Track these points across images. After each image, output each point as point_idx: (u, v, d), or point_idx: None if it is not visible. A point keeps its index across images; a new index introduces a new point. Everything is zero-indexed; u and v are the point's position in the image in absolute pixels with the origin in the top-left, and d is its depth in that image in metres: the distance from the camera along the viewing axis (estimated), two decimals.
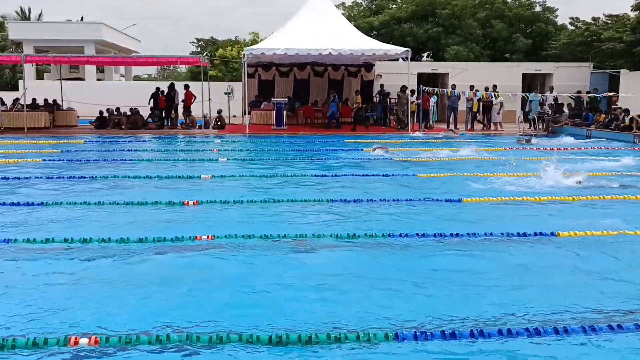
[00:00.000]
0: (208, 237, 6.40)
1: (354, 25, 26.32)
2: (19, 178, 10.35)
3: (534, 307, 4.58)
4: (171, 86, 22.06)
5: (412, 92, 21.38)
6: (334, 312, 4.51)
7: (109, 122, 21.18)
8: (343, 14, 33.32)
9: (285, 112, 21.04)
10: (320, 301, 4.76)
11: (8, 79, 41.49)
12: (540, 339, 4.01)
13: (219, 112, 21.38)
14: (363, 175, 10.97)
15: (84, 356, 3.77)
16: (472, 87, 21.46)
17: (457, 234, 6.57)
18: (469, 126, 21.77)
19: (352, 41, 20.59)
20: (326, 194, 9.22)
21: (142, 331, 4.04)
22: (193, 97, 21.46)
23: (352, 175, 10.98)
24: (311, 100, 24.81)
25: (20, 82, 27.43)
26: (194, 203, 8.27)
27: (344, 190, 9.48)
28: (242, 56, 21.73)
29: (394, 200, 8.61)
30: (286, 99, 21.83)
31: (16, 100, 21.96)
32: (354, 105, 22.16)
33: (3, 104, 21.42)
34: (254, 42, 37.21)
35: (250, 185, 10.08)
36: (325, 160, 13.24)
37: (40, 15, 49.38)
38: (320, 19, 21.70)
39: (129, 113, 21.45)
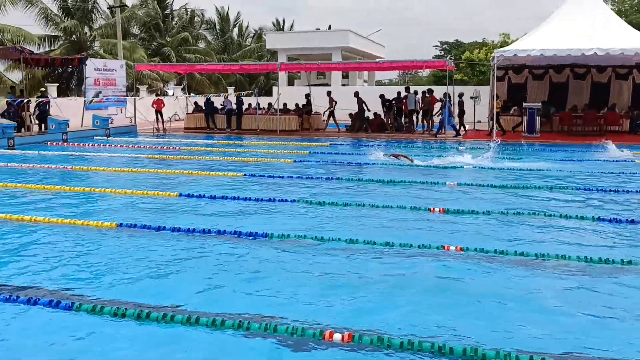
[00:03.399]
0: (456, 248, 6.30)
1: (626, 22, 23.72)
2: (273, 176, 11.50)
3: None
4: (407, 89, 22.53)
5: None
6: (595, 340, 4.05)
7: (354, 125, 22.46)
8: (612, 9, 30.33)
9: (538, 118, 19.86)
10: (573, 327, 4.32)
11: (262, 85, 46.88)
12: None
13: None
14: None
15: (338, 350, 3.97)
16: None
17: None
18: None
19: (623, 39, 18.54)
20: (594, 210, 8.41)
21: (393, 334, 4.12)
22: (435, 102, 21.57)
23: (629, 191, 9.86)
24: (569, 105, 23.04)
25: (274, 88, 30.71)
26: (439, 210, 8.25)
27: (616, 209, 8.53)
28: (491, 58, 21.11)
29: None
30: (539, 104, 20.59)
31: (270, 105, 24.62)
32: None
33: (260, 108, 24.20)
34: (505, 43, 35.99)
35: (499, 196, 9.68)
36: (585, 173, 12.09)
37: (292, 25, 54.82)
38: (584, 15, 20.04)
39: (372, 117, 22.46)
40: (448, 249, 6.28)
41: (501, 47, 25.70)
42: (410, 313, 4.63)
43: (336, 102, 23.47)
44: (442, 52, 56.89)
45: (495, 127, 20.00)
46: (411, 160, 13.46)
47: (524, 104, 21.28)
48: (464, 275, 5.56)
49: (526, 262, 5.95)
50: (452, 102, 20.68)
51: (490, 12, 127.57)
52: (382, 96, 22.48)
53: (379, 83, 46.53)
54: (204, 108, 24.53)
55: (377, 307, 4.75)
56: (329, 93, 23.65)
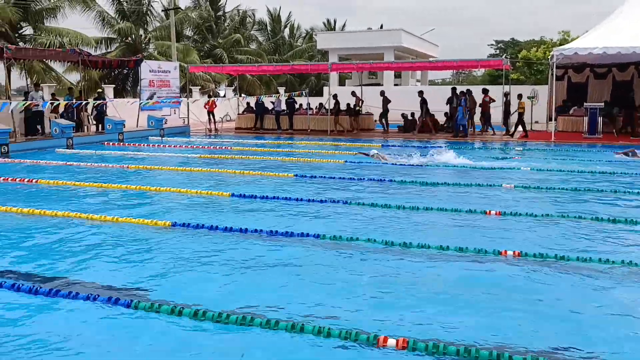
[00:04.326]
0: (514, 253, 6.14)
1: None
2: (324, 177, 11.51)
3: None
4: (453, 90, 22.17)
5: None
6: None
7: (409, 126, 22.28)
8: None
9: (600, 119, 19.21)
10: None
11: (313, 85, 47.05)
12: None
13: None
14: None
15: (391, 357, 3.92)
16: None
17: None
18: None
19: None
20: None
21: (449, 341, 4.04)
22: (490, 102, 21.15)
23: None
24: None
25: (325, 89, 30.76)
26: (496, 213, 8.07)
27: None
28: (550, 57, 20.56)
29: None
30: (602, 104, 19.92)
31: (321, 105, 24.67)
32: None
33: (310, 108, 24.29)
34: (564, 41, 35.05)
35: (558, 198, 9.41)
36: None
37: (344, 25, 54.86)
38: None
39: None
40: (505, 254, 6.13)
41: (560, 45, 25.01)
42: (467, 320, 4.53)
43: (363, 101, 23.51)
44: (498, 51, 55.88)
45: (519, 128, 20.04)
46: (384, 159, 14.11)
47: (584, 103, 20.64)
48: (522, 282, 5.41)
49: (590, 268, 5.74)
50: (467, 101, 20.57)
51: (548, 9, 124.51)
52: (420, 93, 22.26)
53: (432, 83, 45.99)
54: (254, 109, 24.83)
55: (432, 313, 4.67)
56: (353, 93, 23.60)
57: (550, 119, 20.95)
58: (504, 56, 21.64)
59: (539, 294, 5.12)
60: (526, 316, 4.61)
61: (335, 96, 23.52)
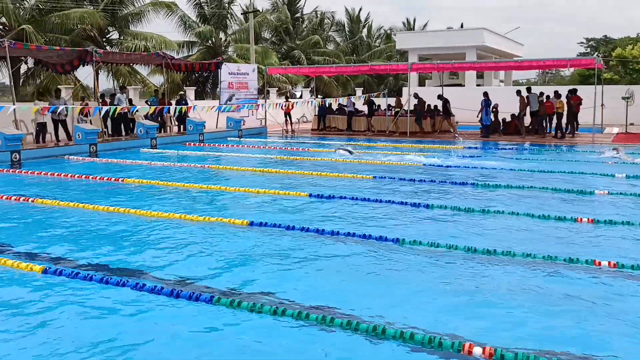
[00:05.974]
0: (609, 263, 5.83)
1: None
2: (404, 179, 11.40)
3: None
4: (528, 89, 21.28)
5: None
6: None
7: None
8: None
9: None
10: None
11: (391, 86, 46.75)
12: None
13: None
14: None
15: None
16: None
17: None
18: None
19: None
20: None
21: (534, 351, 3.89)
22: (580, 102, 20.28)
23: None
24: None
25: (404, 89, 30.48)
26: (588, 221, 7.70)
27: None
28: None
29: None
30: None
31: (400, 106, 24.44)
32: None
33: (389, 109, 24.13)
34: None
35: None
36: None
37: (425, 25, 54.22)
38: None
39: (508, 119, 21.58)
40: (599, 265, 5.83)
41: None
42: (556, 332, 4.36)
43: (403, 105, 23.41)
44: (588, 49, 53.57)
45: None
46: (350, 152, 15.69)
47: None
48: (619, 295, 5.14)
49: None
50: (487, 102, 20.67)
51: None
52: (440, 97, 22.39)
53: (517, 83, 44.48)
54: (318, 110, 25.22)
55: (518, 323, 4.52)
56: (393, 94, 23.44)
57: None
58: (595, 54, 20.67)
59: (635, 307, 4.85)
60: (625, 331, 4.37)
61: (367, 98, 24.70)
